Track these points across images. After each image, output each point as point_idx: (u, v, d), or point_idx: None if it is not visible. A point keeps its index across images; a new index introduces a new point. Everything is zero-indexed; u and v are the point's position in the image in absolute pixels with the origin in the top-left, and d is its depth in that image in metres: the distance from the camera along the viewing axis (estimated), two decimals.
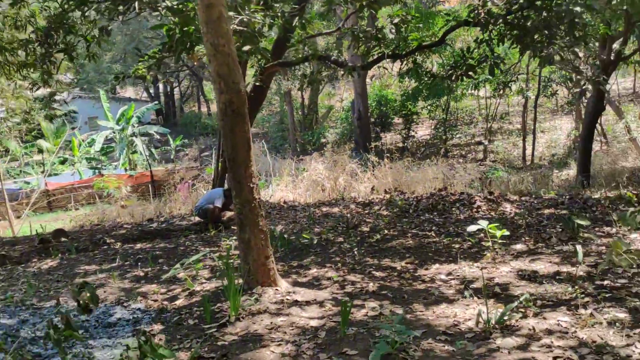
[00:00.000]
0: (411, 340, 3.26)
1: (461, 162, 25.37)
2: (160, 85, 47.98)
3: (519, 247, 5.57)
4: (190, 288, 4.88)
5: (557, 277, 4.56)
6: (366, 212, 9.00)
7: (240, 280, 4.45)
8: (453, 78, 7.71)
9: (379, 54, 8.55)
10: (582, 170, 12.68)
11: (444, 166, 15.58)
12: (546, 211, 8.36)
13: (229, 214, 8.98)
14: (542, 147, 24.90)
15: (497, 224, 5.03)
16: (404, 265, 5.27)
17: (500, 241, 5.08)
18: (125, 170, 26.65)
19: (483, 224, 4.77)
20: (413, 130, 28.41)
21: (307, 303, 4.19)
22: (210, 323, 3.85)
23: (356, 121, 25.07)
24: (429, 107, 27.64)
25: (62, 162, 26.75)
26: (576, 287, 4.15)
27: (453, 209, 8.73)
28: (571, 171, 18.37)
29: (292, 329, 3.66)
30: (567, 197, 9.38)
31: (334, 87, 33.99)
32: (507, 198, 9.46)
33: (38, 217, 19.69)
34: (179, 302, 4.58)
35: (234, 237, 7.22)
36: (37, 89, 9.53)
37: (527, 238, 6.24)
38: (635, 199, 7.60)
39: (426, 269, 5.13)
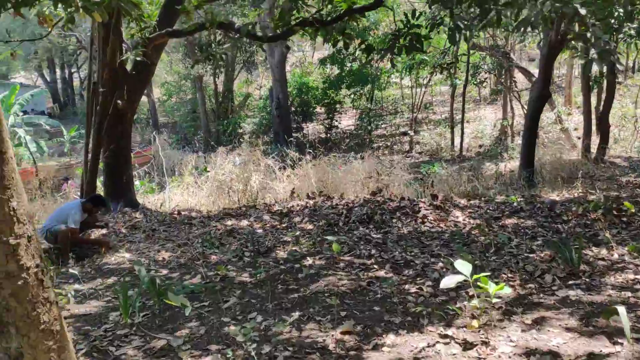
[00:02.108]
0: None
1: (386, 153, 24.02)
2: (58, 71, 43.15)
3: (505, 291, 3.71)
4: None
5: None
6: (284, 226, 6.92)
7: None
8: (395, 51, 5.79)
9: (297, 22, 6.46)
10: (525, 164, 11.35)
11: (371, 160, 13.84)
12: (508, 221, 6.70)
13: (98, 232, 6.58)
14: (468, 138, 24.03)
15: (484, 273, 3.17)
16: (339, 339, 3.25)
17: (492, 299, 3.18)
18: None
19: (462, 268, 2.93)
20: (336, 120, 26.68)
21: None
22: None
23: (275, 110, 22.87)
24: (352, 96, 25.99)
25: None
26: None
27: (393, 219, 6.88)
28: (503, 164, 17.34)
29: None
30: (523, 200, 7.84)
31: (250, 74, 31.50)
32: (454, 203, 7.76)
33: None
34: None
35: (89, 277, 4.90)
36: None
37: (508, 273, 4.44)
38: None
39: (376, 346, 3.14)
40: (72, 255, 5.95)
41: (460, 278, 2.99)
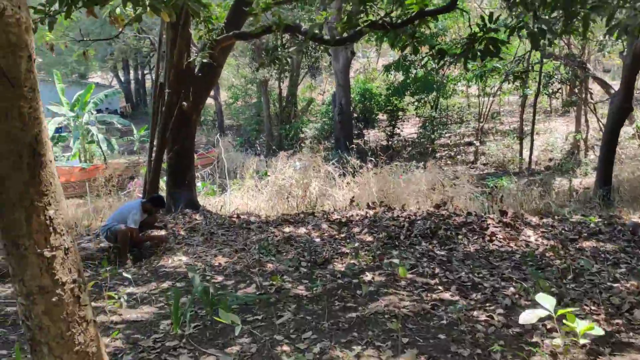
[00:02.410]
0: None
1: (450, 163, 23.28)
2: (132, 72, 45.09)
3: (596, 332, 3.28)
4: None
5: None
6: (342, 236, 6.68)
7: None
8: (469, 56, 5.42)
9: (365, 24, 6.22)
10: (602, 181, 10.55)
11: (433, 170, 13.34)
12: (586, 244, 6.16)
13: (157, 233, 6.58)
14: (537, 151, 22.90)
15: (569, 307, 2.79)
16: None
17: (580, 339, 2.79)
18: (80, 161, 23.89)
19: (545, 302, 2.58)
20: (398, 128, 26.19)
21: None
22: None
23: (337, 116, 22.69)
24: (416, 104, 25.41)
25: None
26: None
27: (459, 235, 6.48)
28: (576, 180, 16.32)
29: None
30: (601, 221, 7.21)
31: (314, 79, 31.56)
32: (525, 220, 7.24)
33: None
34: None
35: (144, 280, 4.85)
36: None
37: (590, 305, 3.99)
38: None
39: None
40: (130, 256, 5.96)
41: (542, 313, 2.64)
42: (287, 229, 7.03)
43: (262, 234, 6.88)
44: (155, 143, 7.82)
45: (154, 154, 7.85)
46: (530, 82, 19.92)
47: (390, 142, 25.39)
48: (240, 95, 31.63)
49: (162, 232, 6.56)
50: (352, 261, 5.44)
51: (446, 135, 26.66)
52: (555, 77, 19.14)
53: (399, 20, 6.20)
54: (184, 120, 7.92)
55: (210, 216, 7.90)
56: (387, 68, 24.89)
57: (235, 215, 7.97)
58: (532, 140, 20.61)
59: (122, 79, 43.42)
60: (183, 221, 7.40)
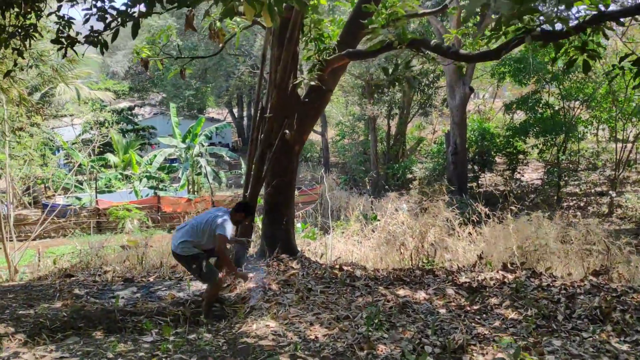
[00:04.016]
0: None
1: (578, 216, 20.42)
2: (245, 107, 46.44)
3: None
4: None
5: None
6: (476, 308, 5.11)
7: None
8: None
9: (520, 32, 4.78)
10: None
11: (560, 220, 11.14)
12: None
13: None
14: None
15: None
16: None
17: None
18: (188, 193, 24.17)
19: None
20: (519, 172, 23.73)
21: None
22: None
23: (451, 156, 20.95)
24: (540, 146, 22.88)
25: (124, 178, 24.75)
26: None
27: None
28: None
29: None
30: None
31: (426, 117, 30.04)
32: None
33: (81, 237, 17.18)
34: None
35: (216, 356, 3.69)
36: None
37: None
38: None
39: None
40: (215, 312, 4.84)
41: None
42: (401, 292, 5.59)
43: (369, 295, 5.50)
44: (251, 176, 6.80)
45: (250, 188, 6.81)
46: None
47: (508, 188, 22.98)
48: (347, 133, 30.86)
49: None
50: (498, 352, 3.87)
51: (573, 183, 23.75)
52: None
53: (565, 29, 4.68)
54: (285, 150, 6.86)
55: (308, 265, 6.68)
56: (508, 106, 22.82)
57: (337, 266, 6.66)
58: None
59: (236, 114, 44.78)
60: (277, 270, 6.23)
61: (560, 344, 4.15)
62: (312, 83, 6.36)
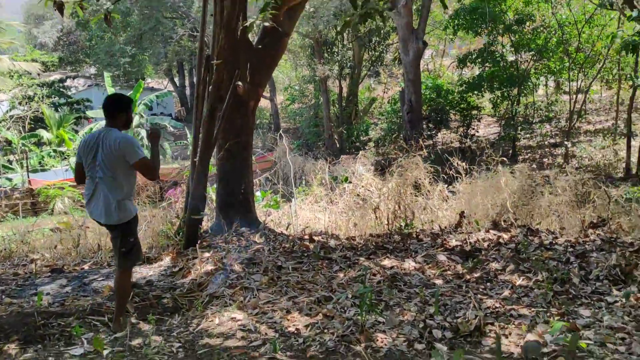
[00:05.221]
0: None
1: (535, 168, 20.37)
2: (187, 75, 44.21)
3: None
4: None
5: None
6: (477, 276, 4.37)
7: None
8: None
9: None
10: None
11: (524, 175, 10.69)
12: None
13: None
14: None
15: None
16: None
17: None
18: None
19: None
20: (473, 128, 23.46)
21: None
22: None
23: (406, 115, 20.31)
24: (495, 100, 22.55)
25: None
26: None
27: None
28: None
29: None
30: None
31: (378, 76, 29.26)
32: None
33: (15, 221, 15.52)
34: None
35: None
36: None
37: None
38: None
39: None
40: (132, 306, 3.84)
41: None
42: (386, 262, 4.78)
43: (350, 268, 4.67)
44: (200, 138, 5.73)
45: (199, 153, 5.74)
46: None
47: (465, 145, 22.66)
48: (297, 97, 29.69)
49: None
50: (530, 338, 3.11)
51: (526, 136, 23.72)
52: None
53: None
54: (238, 106, 5.82)
55: (274, 238, 5.77)
56: (462, 60, 22.23)
57: (307, 237, 5.78)
58: (629, 141, 17.72)
59: (177, 83, 42.58)
60: (238, 246, 5.28)
61: (589, 314, 3.46)
62: (266, 24, 5.32)
